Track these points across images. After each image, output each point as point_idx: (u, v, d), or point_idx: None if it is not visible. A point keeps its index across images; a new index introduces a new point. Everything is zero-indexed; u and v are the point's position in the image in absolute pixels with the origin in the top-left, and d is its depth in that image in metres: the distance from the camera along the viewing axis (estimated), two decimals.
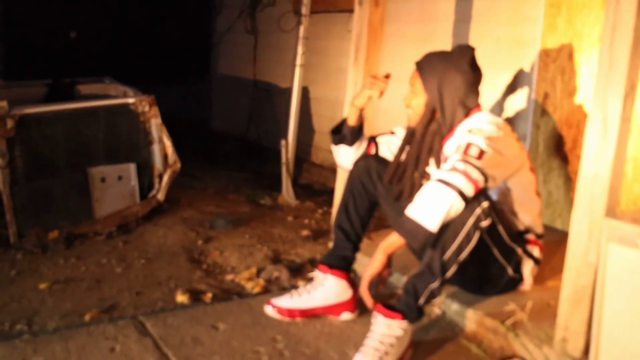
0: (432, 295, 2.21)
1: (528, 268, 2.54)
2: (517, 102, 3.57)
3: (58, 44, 7.99)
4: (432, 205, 2.12)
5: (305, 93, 5.46)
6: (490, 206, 2.22)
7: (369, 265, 2.23)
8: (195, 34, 8.14)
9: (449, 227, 2.16)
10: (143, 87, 4.16)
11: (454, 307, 2.55)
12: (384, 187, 2.60)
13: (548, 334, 2.22)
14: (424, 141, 2.50)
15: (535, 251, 2.55)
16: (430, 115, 2.48)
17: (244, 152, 6.26)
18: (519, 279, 2.55)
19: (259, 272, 3.07)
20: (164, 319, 2.54)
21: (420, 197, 2.16)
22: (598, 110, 2.01)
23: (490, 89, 3.61)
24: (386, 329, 2.18)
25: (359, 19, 3.10)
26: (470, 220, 2.16)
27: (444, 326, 2.53)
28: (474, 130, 2.32)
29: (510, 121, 3.53)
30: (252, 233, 3.62)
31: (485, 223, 2.20)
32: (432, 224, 2.11)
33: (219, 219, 3.78)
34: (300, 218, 3.95)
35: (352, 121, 2.64)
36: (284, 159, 4.31)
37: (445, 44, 3.82)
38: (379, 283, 2.27)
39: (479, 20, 3.77)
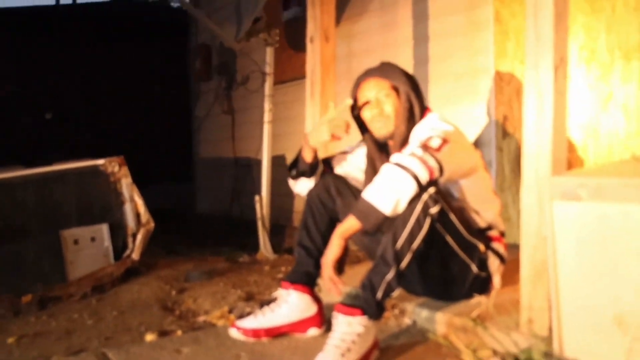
0: (389, 288, 2.16)
1: (494, 265, 2.50)
2: (480, 129, 3.63)
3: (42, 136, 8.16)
4: (387, 188, 2.13)
5: (282, 161, 5.53)
6: (438, 193, 2.21)
7: (327, 251, 2.22)
8: (177, 125, 8.30)
9: (399, 217, 2.15)
10: None
11: (423, 314, 2.50)
12: (344, 202, 2.59)
13: (515, 320, 2.17)
14: (408, 139, 2.48)
15: (500, 247, 2.53)
16: (409, 108, 2.49)
17: (229, 229, 6.24)
18: (486, 278, 2.50)
19: (231, 310, 3.02)
20: (127, 349, 2.48)
21: (376, 179, 2.17)
22: (532, 85, 2.05)
23: (453, 121, 3.66)
24: (347, 327, 2.13)
25: (312, 55, 3.21)
26: (419, 207, 2.15)
27: (415, 333, 2.46)
28: (435, 128, 2.36)
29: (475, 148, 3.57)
30: (226, 281, 3.58)
31: (434, 210, 2.18)
32: (386, 206, 2.11)
33: (195, 272, 3.74)
34: (278, 267, 3.91)
35: (308, 158, 2.63)
36: (258, 214, 4.32)
37: None
38: (339, 267, 2.25)
39: (436, 59, 3.91)
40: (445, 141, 2.25)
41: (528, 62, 2.06)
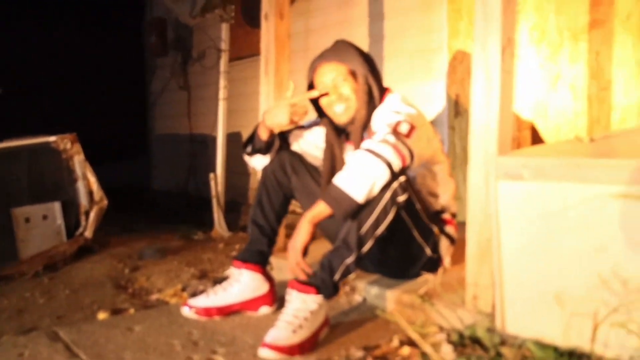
0: (347, 271, 2.19)
1: (444, 247, 2.55)
2: (433, 108, 3.67)
3: None
4: (360, 175, 2.12)
5: (237, 138, 5.51)
6: (407, 181, 2.23)
7: (295, 236, 2.21)
8: (132, 100, 8.19)
9: (365, 202, 2.16)
10: None
11: (373, 291, 2.54)
12: (299, 180, 2.60)
13: (461, 297, 2.22)
14: (369, 123, 2.46)
15: (451, 230, 2.57)
16: (368, 91, 2.45)
17: (185, 205, 6.23)
18: (437, 259, 2.54)
19: (184, 289, 3.02)
20: (78, 327, 2.47)
21: (349, 166, 2.16)
22: (479, 64, 2.08)
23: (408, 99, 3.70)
24: (301, 304, 2.15)
25: (266, 33, 3.19)
26: (387, 194, 2.17)
27: (364, 310, 2.50)
28: (400, 112, 2.33)
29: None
30: (180, 259, 3.58)
31: (402, 198, 2.20)
32: (359, 194, 2.11)
33: (148, 249, 3.73)
34: (232, 244, 3.92)
35: (264, 136, 2.58)
36: (213, 192, 4.31)
37: None
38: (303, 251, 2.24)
39: (391, 37, 3.92)
40: (413, 127, 2.24)
41: (476, 42, 2.09)
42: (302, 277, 2.22)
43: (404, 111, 2.34)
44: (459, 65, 3.48)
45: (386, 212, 2.19)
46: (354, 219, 2.18)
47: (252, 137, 2.66)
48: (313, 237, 2.24)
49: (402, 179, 2.20)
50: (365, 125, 2.46)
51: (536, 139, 3.21)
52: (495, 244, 1.94)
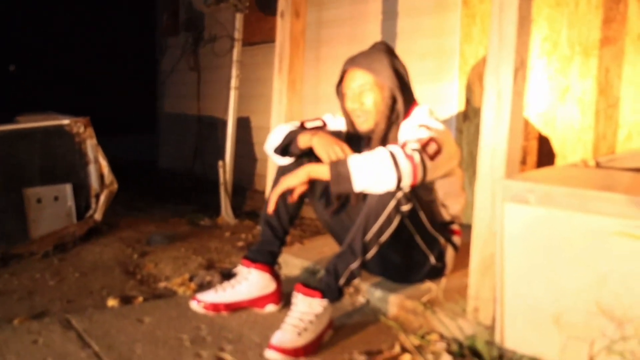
0: (352, 276, 2.28)
1: (450, 256, 2.63)
2: (443, 110, 3.72)
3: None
4: (371, 172, 2.18)
5: (246, 123, 5.57)
6: (412, 192, 2.29)
7: (287, 176, 2.35)
8: (142, 77, 8.22)
9: (371, 209, 2.25)
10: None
11: (377, 294, 2.62)
12: (314, 183, 2.62)
13: (462, 307, 2.30)
14: (389, 135, 2.52)
15: (458, 240, 2.65)
16: (392, 104, 2.50)
17: (191, 187, 6.29)
18: (441, 268, 2.62)
19: (191, 278, 3.10)
20: (89, 316, 2.55)
21: (369, 157, 2.21)
22: (492, 86, 2.14)
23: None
24: (306, 307, 2.24)
25: (281, 30, 3.24)
26: (392, 203, 2.24)
27: (367, 312, 2.58)
28: (431, 127, 2.37)
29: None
30: (188, 247, 3.66)
31: (405, 207, 2.27)
32: (359, 184, 2.20)
33: (157, 235, 3.81)
34: (238, 233, 3.99)
35: (303, 146, 2.52)
36: (221, 179, 4.38)
37: None
38: (290, 194, 2.41)
39: (403, 37, 3.96)
40: (439, 150, 2.30)
41: (489, 63, 2.15)
42: (269, 208, 2.42)
43: (433, 127, 2.38)
44: (470, 70, 3.54)
45: (390, 221, 2.27)
46: (360, 224, 2.26)
47: (288, 142, 2.59)
48: (304, 195, 2.46)
49: (406, 189, 2.26)
50: (384, 137, 2.52)
51: (542, 148, 3.27)
52: (499, 262, 2.01)
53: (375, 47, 2.59)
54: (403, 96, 2.50)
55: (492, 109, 2.14)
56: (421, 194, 2.44)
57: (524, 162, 3.23)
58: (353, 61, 2.55)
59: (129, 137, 8.10)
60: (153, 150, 7.64)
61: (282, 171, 2.65)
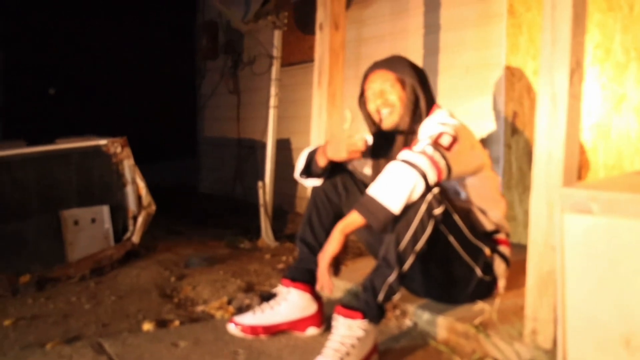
0: (391, 291, 2.13)
1: (500, 269, 2.46)
2: (488, 125, 3.57)
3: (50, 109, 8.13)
4: (395, 186, 2.09)
5: (287, 144, 5.48)
6: (442, 193, 2.18)
7: (326, 245, 2.20)
8: (183, 102, 8.23)
9: (402, 217, 2.11)
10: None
11: (425, 317, 2.46)
12: (350, 198, 2.55)
13: (519, 329, 2.13)
14: (413, 130, 2.48)
15: (507, 251, 2.49)
16: (415, 100, 2.47)
17: (231, 210, 6.21)
18: (490, 282, 2.46)
19: (230, 302, 2.98)
20: (123, 340, 2.45)
21: (384, 176, 2.13)
22: (546, 88, 1.99)
23: (461, 115, 3.60)
24: (347, 330, 2.10)
25: (321, 43, 3.14)
26: (423, 207, 2.12)
27: (415, 336, 2.43)
28: (446, 123, 2.33)
29: (483, 144, 3.52)
30: (226, 269, 3.55)
31: (438, 211, 2.15)
32: (395, 205, 2.08)
33: (195, 257, 3.71)
34: (278, 256, 3.88)
35: (322, 164, 2.53)
36: (261, 201, 4.27)
37: None
38: (336, 265, 2.24)
39: (446, 50, 3.83)
40: (455, 139, 2.23)
41: (543, 65, 2.00)
42: (327, 290, 2.20)
43: (449, 123, 2.34)
44: (517, 82, 3.38)
45: (424, 226, 2.13)
46: (392, 232, 2.14)
47: (309, 162, 2.60)
48: (345, 250, 2.25)
49: (435, 190, 2.15)
50: (409, 133, 2.47)
51: (597, 161, 3.09)
52: (559, 279, 1.85)
53: (390, 55, 2.62)
54: (424, 95, 2.48)
55: (546, 114, 1.99)
56: (452, 197, 2.33)
57: (578, 175, 3.05)
58: (373, 66, 2.58)
59: (169, 163, 8.10)
60: (194, 174, 7.61)
61: (316, 192, 2.57)
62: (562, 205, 1.80)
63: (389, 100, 2.49)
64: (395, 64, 2.53)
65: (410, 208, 2.11)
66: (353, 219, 2.16)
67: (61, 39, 8.50)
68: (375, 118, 2.56)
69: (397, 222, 2.12)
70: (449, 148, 2.19)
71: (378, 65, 2.56)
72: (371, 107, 2.55)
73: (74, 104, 8.44)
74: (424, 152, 2.14)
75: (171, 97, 8.75)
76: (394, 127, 2.51)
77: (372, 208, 2.10)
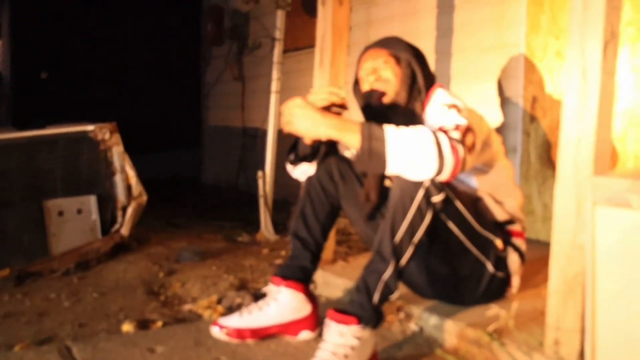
0: (388, 289, 1.88)
1: (515, 264, 2.20)
2: (505, 111, 3.29)
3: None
4: (411, 153, 1.81)
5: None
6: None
7: (316, 123, 1.92)
8: (187, 90, 8.03)
9: (396, 204, 1.87)
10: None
11: (432, 321, 2.20)
12: (347, 187, 2.29)
13: (538, 338, 1.86)
14: (414, 112, 2.18)
15: (522, 245, 2.23)
16: (411, 75, 2.19)
17: (235, 201, 5.98)
18: (504, 279, 2.19)
19: (219, 300, 2.73)
20: (95, 344, 2.20)
21: (408, 133, 1.83)
22: (576, 61, 1.72)
23: (475, 100, 3.34)
24: (339, 338, 1.84)
25: (323, 19, 2.87)
26: (420, 193, 1.87)
27: (421, 343, 2.16)
28: (459, 108, 2.03)
29: (498, 132, 3.24)
30: (220, 265, 3.30)
31: (437, 198, 1.90)
32: (393, 167, 1.83)
33: (186, 252, 3.46)
34: (277, 250, 3.63)
35: (308, 140, 2.25)
36: (260, 191, 4.02)
37: (429, 57, 3.60)
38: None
39: (460, 31, 3.58)
40: (474, 142, 1.96)
41: (572, 36, 1.73)
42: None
43: (463, 107, 2.04)
44: (538, 64, 3.10)
45: (422, 215, 1.88)
46: (386, 225, 1.89)
47: (296, 144, 2.33)
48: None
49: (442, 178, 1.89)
50: (405, 110, 2.17)
51: (625, 151, 2.80)
52: (589, 282, 1.58)
53: (386, 36, 2.36)
54: (422, 71, 2.19)
55: (575, 92, 1.71)
56: (456, 184, 2.09)
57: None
58: (364, 49, 2.32)
59: (173, 152, 7.89)
60: (197, 165, 7.39)
61: (309, 181, 2.32)
62: (594, 197, 1.53)
63: (382, 77, 2.20)
64: (388, 42, 2.28)
65: (405, 194, 1.86)
66: (351, 135, 1.86)
67: (65, 25, 8.29)
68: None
69: (392, 210, 1.88)
70: (470, 150, 1.92)
71: (370, 46, 2.30)
72: (365, 87, 2.26)
73: (78, 91, 8.23)
74: (456, 151, 1.85)
75: (175, 85, 8.55)
76: (389, 105, 2.20)
77: (374, 148, 1.82)
